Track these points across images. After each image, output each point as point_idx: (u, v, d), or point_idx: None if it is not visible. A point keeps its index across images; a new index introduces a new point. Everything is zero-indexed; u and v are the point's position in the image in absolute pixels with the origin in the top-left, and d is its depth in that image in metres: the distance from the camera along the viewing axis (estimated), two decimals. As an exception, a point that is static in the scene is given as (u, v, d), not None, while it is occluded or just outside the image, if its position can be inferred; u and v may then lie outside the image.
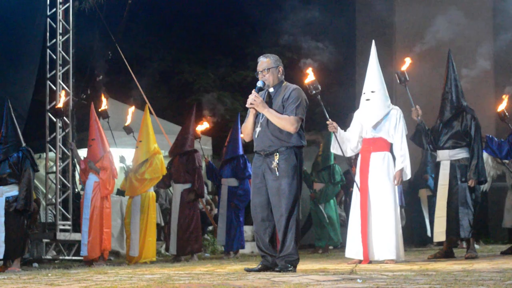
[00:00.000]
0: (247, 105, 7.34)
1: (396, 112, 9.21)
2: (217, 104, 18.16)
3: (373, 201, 9.07)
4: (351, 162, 12.00)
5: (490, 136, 10.80)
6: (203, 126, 13.56)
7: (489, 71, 15.75)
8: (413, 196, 14.68)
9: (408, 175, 9.17)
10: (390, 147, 9.19)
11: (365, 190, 9.10)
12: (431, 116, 10.45)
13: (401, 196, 12.60)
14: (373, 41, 9.44)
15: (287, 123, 7.19)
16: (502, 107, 10.93)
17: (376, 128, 9.19)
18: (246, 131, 7.50)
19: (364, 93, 9.32)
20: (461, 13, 13.07)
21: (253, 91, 7.32)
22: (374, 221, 9.01)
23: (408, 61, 9.95)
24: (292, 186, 7.16)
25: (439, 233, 9.77)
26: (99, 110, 12.49)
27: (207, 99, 17.05)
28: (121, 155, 12.59)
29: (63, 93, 13.27)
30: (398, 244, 9.00)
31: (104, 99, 12.66)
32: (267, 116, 7.25)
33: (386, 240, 8.95)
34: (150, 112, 13.35)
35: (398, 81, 9.92)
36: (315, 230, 13.96)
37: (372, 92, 9.23)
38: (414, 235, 14.18)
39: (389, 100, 9.32)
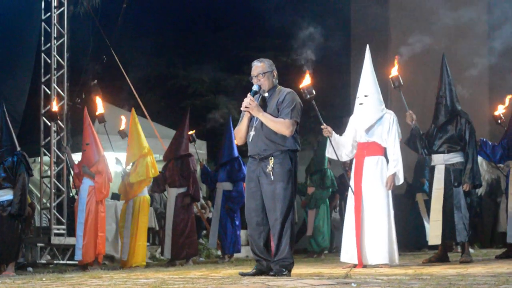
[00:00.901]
0: (242, 108, 7.33)
1: (389, 116, 9.19)
2: (211, 108, 18.17)
3: (366, 205, 9.06)
4: (346, 166, 12.01)
5: (484, 139, 10.82)
6: (193, 131, 13.56)
7: (484, 75, 15.81)
8: (409, 200, 14.68)
9: (400, 179, 9.14)
10: (384, 152, 9.17)
11: (359, 194, 9.09)
12: (426, 120, 10.45)
13: None
14: (367, 46, 9.44)
15: (282, 126, 7.19)
16: (499, 110, 10.97)
17: (369, 132, 9.18)
18: (239, 134, 7.49)
19: (358, 97, 9.32)
20: (456, 17, 13.09)
21: (248, 95, 7.33)
22: (367, 225, 9.01)
23: (396, 64, 9.91)
24: (287, 190, 7.16)
25: (434, 236, 9.76)
26: (96, 114, 12.47)
27: (202, 103, 17.07)
28: (117, 158, 12.54)
29: (54, 97, 13.23)
30: (390, 248, 8.97)
31: (99, 103, 12.61)
32: (262, 120, 7.25)
33: (378, 244, 8.93)
34: (145, 116, 13.32)
35: (392, 86, 9.91)
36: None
37: (365, 96, 9.23)
38: (409, 239, 14.18)
39: (383, 104, 9.30)
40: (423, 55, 12.27)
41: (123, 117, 12.91)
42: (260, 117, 7.25)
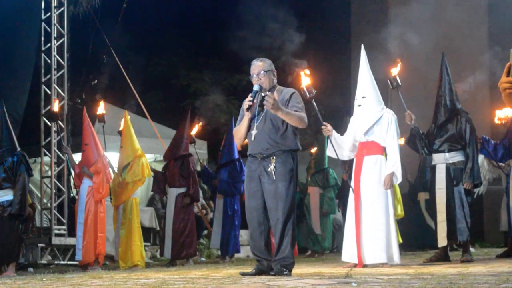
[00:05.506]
0: (244, 107, 7.26)
1: (388, 115, 9.13)
2: (212, 108, 18.14)
3: (364, 204, 9.03)
4: (345, 166, 11.99)
5: (486, 137, 10.82)
6: (194, 130, 13.52)
7: (485, 76, 15.79)
8: (412, 199, 14.66)
9: (398, 179, 9.10)
10: (383, 151, 9.14)
11: (358, 193, 9.08)
12: (426, 120, 10.43)
13: None
14: (362, 46, 9.38)
15: (302, 119, 7.20)
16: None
17: (368, 132, 9.15)
18: (239, 135, 7.45)
19: (356, 99, 9.29)
20: (457, 19, 13.08)
21: (249, 96, 7.28)
22: (365, 224, 8.99)
23: (398, 66, 9.90)
24: (289, 189, 7.15)
25: (442, 238, 9.69)
26: (97, 113, 12.44)
27: (202, 103, 17.04)
28: (108, 159, 12.46)
29: (55, 97, 13.25)
30: (388, 247, 8.93)
31: (102, 104, 12.59)
32: (282, 116, 7.11)
33: (375, 243, 8.90)
34: (145, 116, 13.27)
35: (390, 86, 9.89)
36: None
37: (363, 97, 9.18)
38: (410, 238, 14.16)
39: (382, 104, 9.24)
40: (424, 54, 12.26)
41: (122, 121, 12.90)
42: (280, 113, 7.09)
